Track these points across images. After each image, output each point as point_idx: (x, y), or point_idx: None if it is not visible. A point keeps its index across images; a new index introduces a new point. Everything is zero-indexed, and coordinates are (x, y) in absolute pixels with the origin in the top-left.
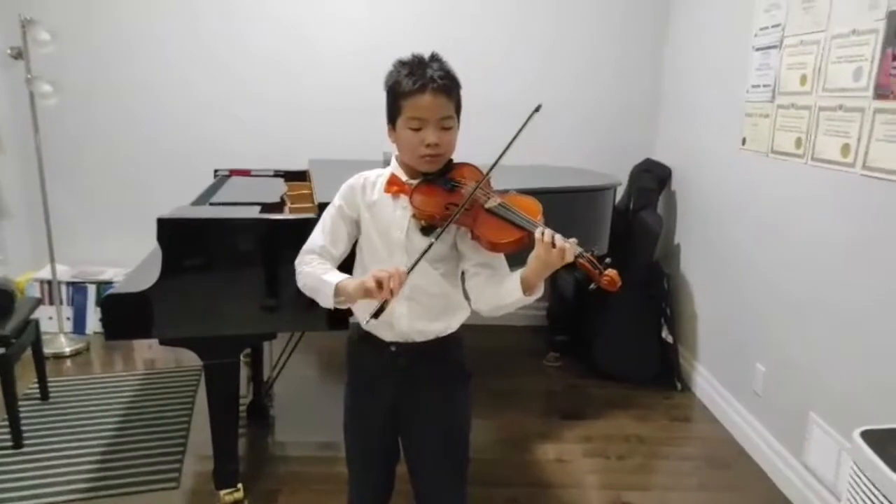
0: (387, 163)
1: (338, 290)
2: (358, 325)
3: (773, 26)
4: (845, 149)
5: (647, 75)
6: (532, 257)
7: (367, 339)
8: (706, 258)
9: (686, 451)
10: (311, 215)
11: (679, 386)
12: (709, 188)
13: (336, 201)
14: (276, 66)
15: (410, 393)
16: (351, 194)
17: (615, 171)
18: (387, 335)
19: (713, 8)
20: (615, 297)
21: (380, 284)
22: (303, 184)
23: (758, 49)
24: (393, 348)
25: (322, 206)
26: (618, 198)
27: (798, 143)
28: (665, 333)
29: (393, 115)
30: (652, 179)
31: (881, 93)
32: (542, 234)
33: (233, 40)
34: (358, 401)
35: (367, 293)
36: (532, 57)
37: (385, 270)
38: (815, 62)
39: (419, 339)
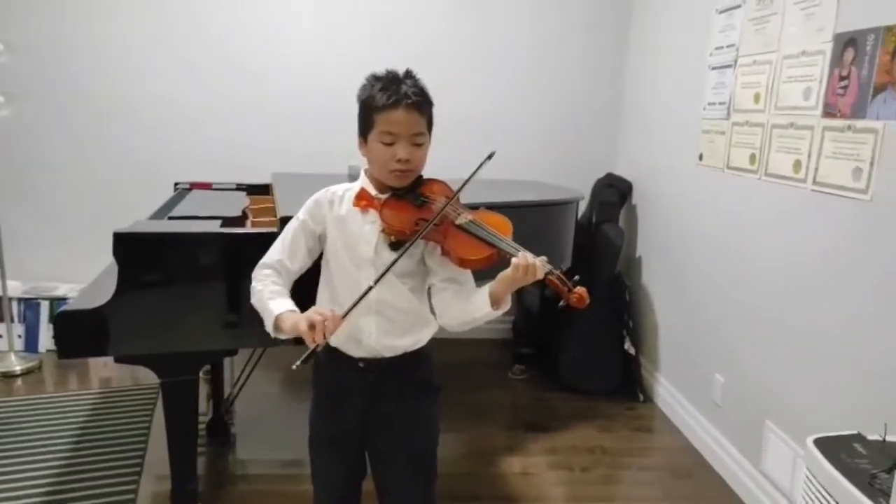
0: (352, 177)
1: (277, 322)
2: (314, 356)
3: (727, 46)
4: (797, 165)
5: (608, 92)
6: (502, 274)
7: (335, 354)
8: (666, 271)
9: (649, 461)
10: (273, 229)
11: (641, 397)
12: (668, 202)
13: (300, 215)
14: (240, 78)
15: (379, 409)
16: (317, 209)
17: (578, 186)
18: (355, 351)
19: (671, 28)
20: (579, 310)
21: (312, 327)
22: (265, 197)
23: (713, 68)
24: (361, 364)
25: (284, 221)
26: (580, 212)
27: (752, 159)
28: (627, 345)
29: (365, 128)
30: (613, 193)
31: (829, 111)
32: (519, 257)
33: (195, 52)
34: (325, 417)
35: (300, 334)
36: (495, 74)
37: (320, 313)
38: (767, 81)
39: (388, 354)
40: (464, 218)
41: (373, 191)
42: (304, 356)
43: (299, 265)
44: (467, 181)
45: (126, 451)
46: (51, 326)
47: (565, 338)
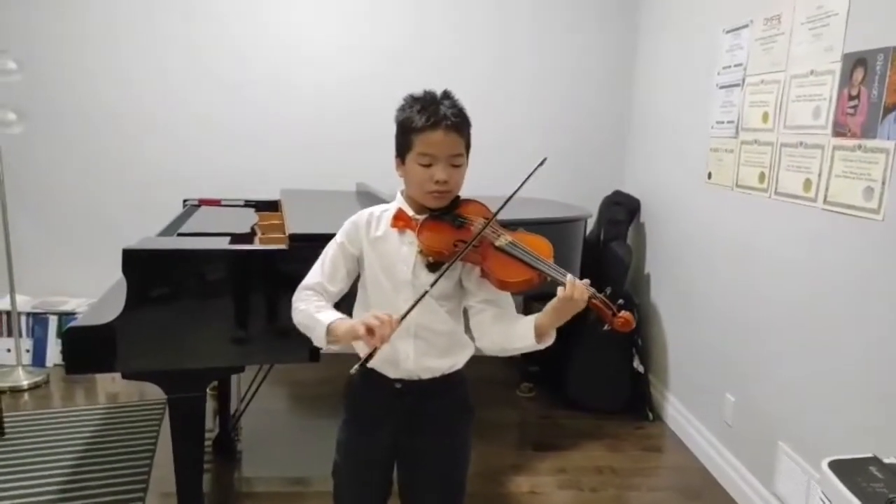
0: (360, 194)
1: (329, 331)
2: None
3: (735, 65)
4: (807, 184)
5: (615, 110)
6: (551, 305)
7: (370, 376)
8: (675, 289)
9: (658, 481)
10: (282, 246)
11: (650, 416)
12: (677, 220)
13: (338, 238)
14: (250, 95)
15: (414, 431)
16: (354, 231)
17: (586, 203)
18: (392, 373)
19: (678, 47)
20: (587, 328)
21: (371, 331)
22: (274, 214)
23: (721, 87)
24: (398, 385)
25: (293, 237)
26: (588, 229)
27: (762, 177)
28: (636, 363)
29: (403, 149)
30: (621, 211)
31: (839, 131)
32: (572, 283)
33: (203, 70)
34: (357, 439)
35: (357, 338)
36: (502, 92)
37: (377, 317)
38: (775, 100)
39: (426, 376)
40: (503, 239)
41: (410, 211)
42: (363, 360)
43: (339, 287)
44: (510, 197)
45: (132, 467)
46: (59, 341)
47: (573, 356)
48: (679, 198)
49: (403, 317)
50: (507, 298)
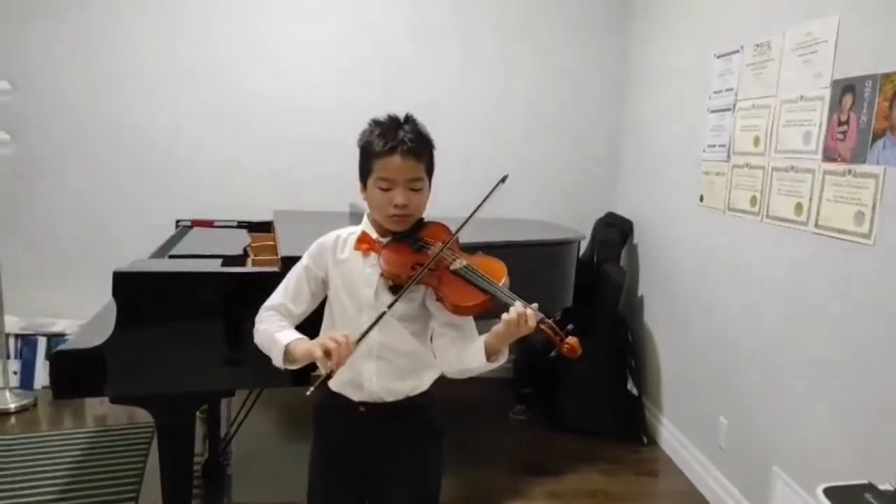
0: (353, 215)
1: (287, 352)
2: (325, 386)
3: (726, 90)
4: (798, 208)
5: (608, 131)
6: (496, 328)
7: (335, 399)
8: (669, 311)
9: None
10: (274, 268)
11: (645, 439)
12: (670, 242)
13: (304, 260)
14: (243, 117)
15: (381, 455)
16: (319, 253)
17: (579, 225)
18: (355, 395)
19: (670, 71)
20: (571, 360)
21: (328, 354)
22: (267, 235)
23: (712, 111)
24: (362, 408)
25: (286, 260)
26: (582, 251)
27: (753, 201)
28: (630, 385)
29: (364, 174)
30: (615, 233)
31: (829, 156)
32: (514, 308)
33: (197, 91)
34: (326, 463)
35: (314, 360)
36: (497, 114)
37: (334, 339)
38: (766, 125)
39: (389, 398)
40: (459, 263)
41: (374, 234)
42: (318, 382)
43: (302, 309)
44: (467, 220)
45: (120, 491)
46: (47, 363)
47: (567, 378)
48: (672, 220)
49: (361, 338)
50: (468, 322)
